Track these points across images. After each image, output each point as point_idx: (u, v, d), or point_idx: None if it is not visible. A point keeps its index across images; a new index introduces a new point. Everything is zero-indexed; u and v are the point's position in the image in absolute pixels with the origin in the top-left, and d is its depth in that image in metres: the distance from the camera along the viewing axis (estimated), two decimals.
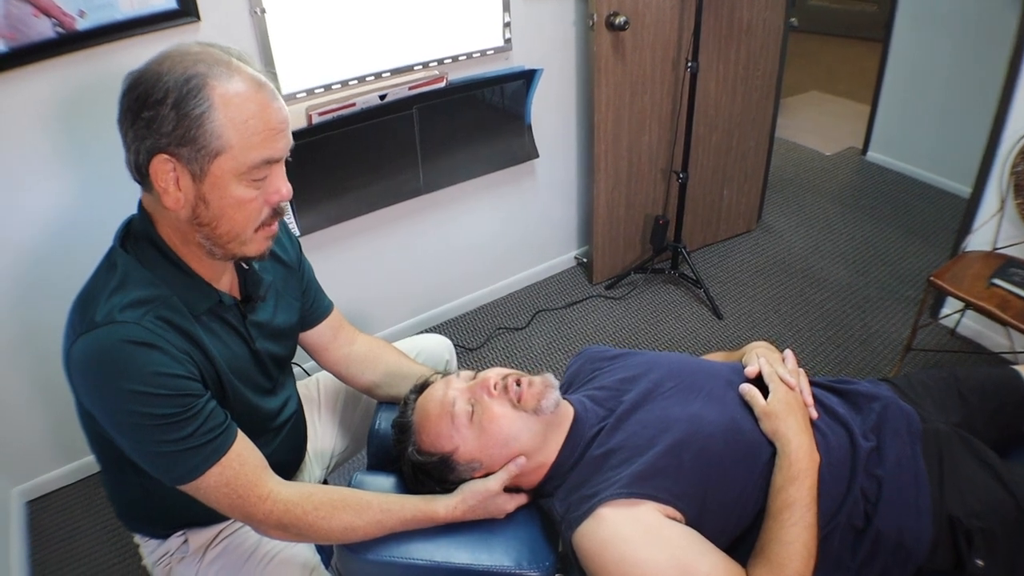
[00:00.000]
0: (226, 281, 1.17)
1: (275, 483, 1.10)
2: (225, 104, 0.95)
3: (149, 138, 0.96)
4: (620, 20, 2.47)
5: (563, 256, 3.23)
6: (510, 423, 1.19)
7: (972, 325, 2.67)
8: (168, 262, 1.07)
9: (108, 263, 1.07)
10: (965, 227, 2.55)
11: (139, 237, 1.07)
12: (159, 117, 0.95)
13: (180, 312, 1.05)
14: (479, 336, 2.86)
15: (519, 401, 1.20)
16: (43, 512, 2.21)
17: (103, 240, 1.11)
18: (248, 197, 1.02)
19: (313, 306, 1.42)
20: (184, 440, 1.01)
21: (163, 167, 0.97)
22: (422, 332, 2.75)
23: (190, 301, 1.08)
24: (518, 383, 1.22)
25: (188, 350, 1.04)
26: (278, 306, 1.29)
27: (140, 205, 1.09)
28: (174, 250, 1.08)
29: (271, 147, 1.00)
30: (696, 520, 1.11)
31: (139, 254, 1.06)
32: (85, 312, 1.01)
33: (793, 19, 2.99)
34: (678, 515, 1.10)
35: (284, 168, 1.06)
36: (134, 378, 0.97)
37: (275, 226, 1.10)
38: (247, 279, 1.21)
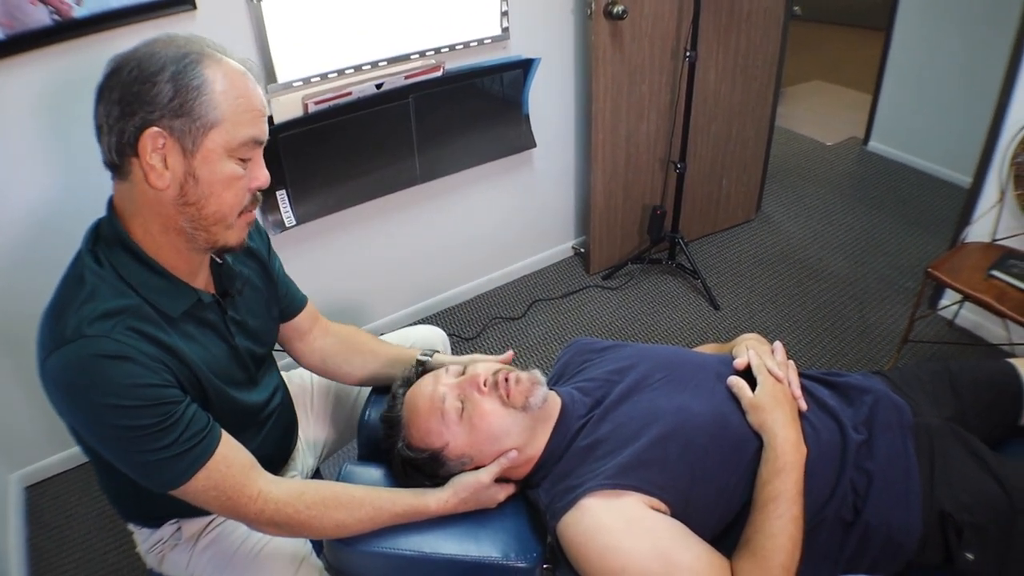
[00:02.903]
0: (201, 279, 1.15)
1: (264, 482, 1.10)
2: (219, 79, 0.99)
3: (140, 112, 0.95)
4: (619, 9, 2.45)
5: (560, 246, 3.23)
6: (500, 420, 1.19)
7: (970, 317, 2.66)
8: (141, 265, 1.04)
9: (75, 273, 1.03)
10: (964, 218, 2.54)
11: (109, 241, 1.04)
12: (155, 89, 0.95)
13: (151, 320, 1.03)
14: (475, 326, 2.86)
15: (508, 398, 1.20)
16: (41, 498, 2.22)
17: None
18: (237, 174, 1.03)
19: (287, 298, 1.41)
20: (167, 448, 1.00)
21: (153, 142, 0.96)
22: (417, 322, 2.75)
23: (167, 304, 1.06)
24: (507, 379, 1.22)
25: (161, 358, 1.02)
26: (256, 298, 1.29)
27: (109, 204, 1.06)
28: (146, 251, 1.05)
29: (258, 127, 1.04)
30: (681, 512, 1.11)
31: (111, 259, 1.03)
32: (54, 327, 0.98)
33: (797, 8, 2.98)
34: (663, 507, 1.10)
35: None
36: (109, 392, 0.95)
37: (252, 214, 1.11)
38: (222, 274, 1.20)
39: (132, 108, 0.96)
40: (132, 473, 1.04)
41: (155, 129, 0.96)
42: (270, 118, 2.09)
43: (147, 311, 1.03)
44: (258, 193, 1.09)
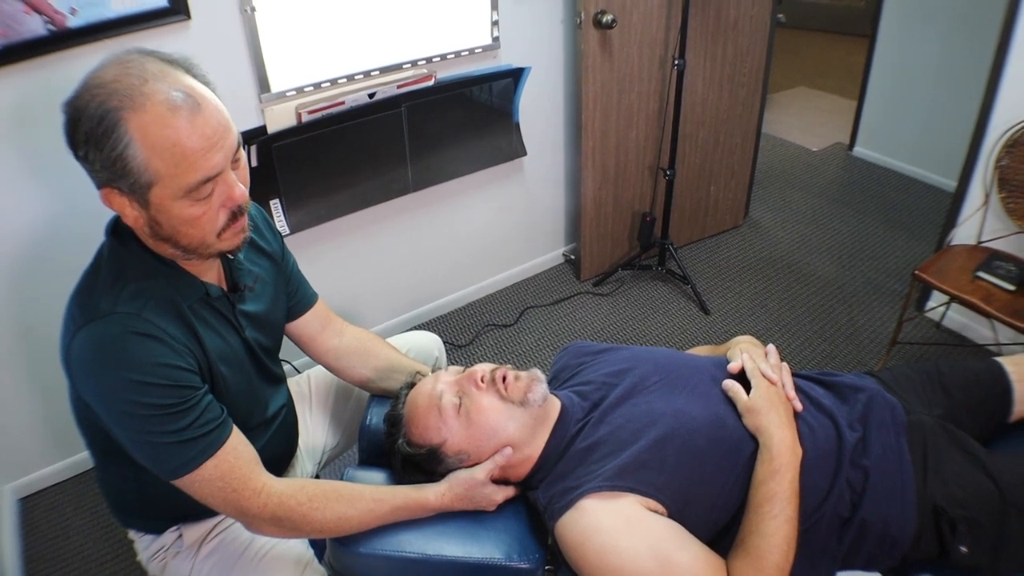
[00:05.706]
0: (213, 273, 1.18)
1: (267, 477, 1.12)
2: (143, 136, 0.93)
3: (91, 173, 0.98)
4: (608, 18, 2.48)
5: (551, 253, 3.25)
6: (497, 414, 1.21)
7: (957, 318, 2.70)
8: (153, 257, 1.08)
9: (103, 256, 1.09)
10: (950, 221, 2.58)
11: (124, 234, 1.09)
12: (88, 158, 0.96)
13: (176, 303, 1.07)
14: (468, 333, 2.88)
15: (506, 392, 1.22)
16: (36, 509, 2.21)
17: (98, 237, 1.12)
18: (196, 214, 1.00)
19: (297, 295, 1.43)
20: (181, 431, 1.03)
21: (112, 197, 0.99)
22: (411, 329, 2.76)
23: (180, 292, 1.09)
24: (505, 376, 1.24)
25: (186, 342, 1.06)
26: (267, 296, 1.30)
27: None
28: (157, 248, 1.08)
29: (203, 167, 0.97)
30: (678, 513, 1.12)
31: (129, 248, 1.08)
32: (85, 304, 1.03)
33: (781, 15, 3.01)
34: (660, 508, 1.12)
35: (232, 173, 1.03)
36: (135, 368, 0.99)
37: (240, 222, 1.08)
38: (232, 269, 1.23)
39: (84, 167, 0.98)
40: (143, 457, 1.06)
41: (107, 189, 0.98)
42: (263, 128, 2.10)
43: (172, 293, 1.07)
44: (242, 204, 1.05)
